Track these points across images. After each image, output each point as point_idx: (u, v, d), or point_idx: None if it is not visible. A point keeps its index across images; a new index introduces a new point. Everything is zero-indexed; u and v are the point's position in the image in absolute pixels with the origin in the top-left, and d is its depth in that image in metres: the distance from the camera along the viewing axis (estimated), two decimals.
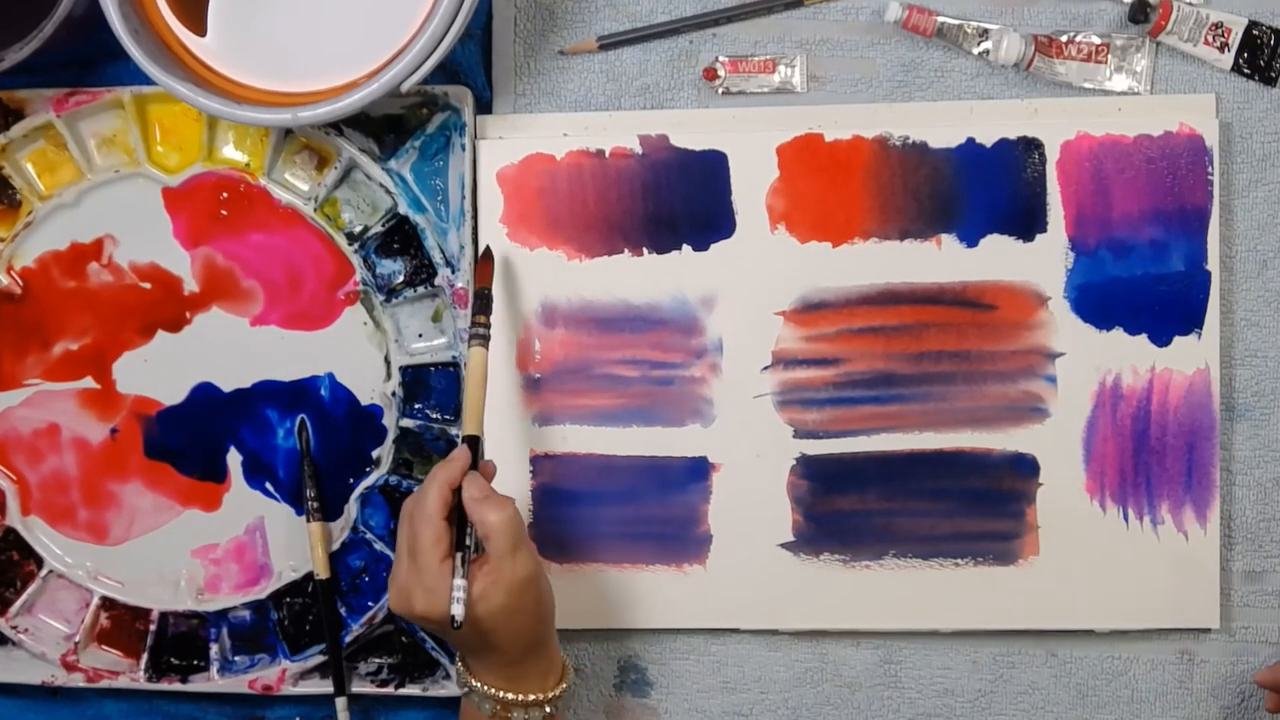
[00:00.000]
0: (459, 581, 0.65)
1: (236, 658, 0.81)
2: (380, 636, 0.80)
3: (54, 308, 0.79)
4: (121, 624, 0.81)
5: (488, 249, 0.76)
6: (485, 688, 0.68)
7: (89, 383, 0.80)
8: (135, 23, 0.72)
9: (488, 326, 0.72)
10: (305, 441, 0.79)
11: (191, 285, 0.79)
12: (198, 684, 0.80)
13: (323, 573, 0.78)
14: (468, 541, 0.67)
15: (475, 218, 0.78)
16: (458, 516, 0.67)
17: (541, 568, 0.69)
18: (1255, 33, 0.75)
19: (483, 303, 0.73)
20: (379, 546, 0.79)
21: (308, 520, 0.79)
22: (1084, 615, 0.77)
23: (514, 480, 0.78)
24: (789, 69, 0.78)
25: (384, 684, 0.80)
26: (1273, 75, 0.76)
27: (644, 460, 0.78)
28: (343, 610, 0.79)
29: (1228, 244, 0.76)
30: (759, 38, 0.77)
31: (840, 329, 0.77)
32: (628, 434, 0.78)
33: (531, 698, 0.68)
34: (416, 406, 0.78)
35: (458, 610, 0.65)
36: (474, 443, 0.70)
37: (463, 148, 0.77)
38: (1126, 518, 0.76)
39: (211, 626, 0.80)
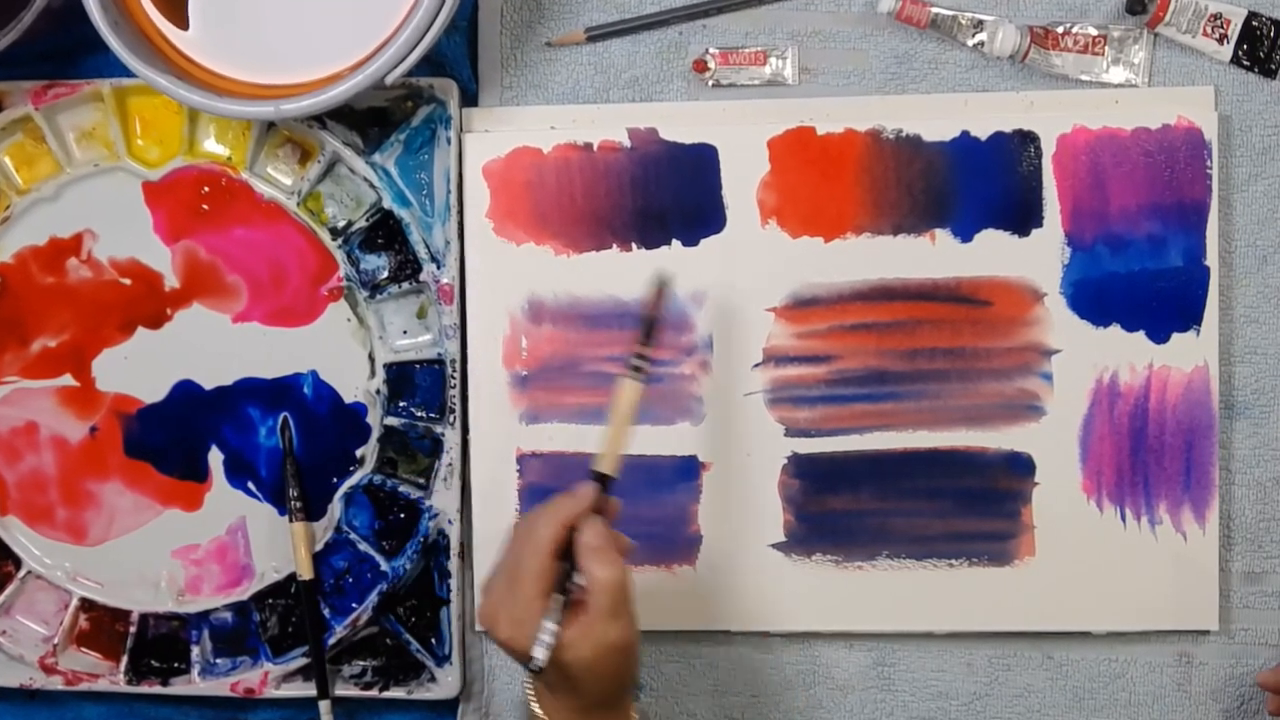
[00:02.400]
0: (549, 625, 0.62)
1: (218, 660, 0.81)
2: (364, 638, 0.80)
3: (32, 304, 0.80)
4: (101, 626, 0.82)
5: (662, 274, 0.70)
6: None
7: (68, 380, 0.80)
8: (115, 14, 0.73)
9: (649, 360, 0.67)
10: (288, 440, 0.80)
11: (172, 281, 0.79)
12: (179, 687, 0.80)
13: (306, 574, 0.79)
14: (570, 585, 0.63)
15: (461, 212, 0.78)
16: (567, 553, 0.64)
17: (638, 636, 0.64)
18: (1255, 24, 0.76)
19: (649, 331, 0.68)
20: (363, 547, 0.79)
21: (290, 520, 0.79)
22: (1081, 617, 0.77)
23: (500, 479, 0.79)
24: (780, 61, 0.78)
25: (368, 687, 0.80)
26: (1272, 67, 0.76)
27: (633, 459, 0.78)
28: (326, 612, 0.80)
29: (1227, 239, 0.77)
30: (750, 29, 0.78)
31: (832, 325, 0.77)
32: None
33: None
34: (401, 404, 0.79)
35: (539, 653, 0.62)
36: (605, 482, 0.66)
37: (448, 141, 0.77)
38: (1124, 518, 0.77)
39: (192, 628, 0.81)
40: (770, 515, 0.78)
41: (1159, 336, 0.76)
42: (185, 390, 0.80)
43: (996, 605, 0.77)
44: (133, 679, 0.81)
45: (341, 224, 0.79)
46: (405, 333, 0.79)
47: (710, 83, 0.78)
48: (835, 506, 0.78)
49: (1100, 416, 0.77)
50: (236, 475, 0.80)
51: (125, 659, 0.80)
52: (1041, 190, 0.76)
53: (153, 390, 0.80)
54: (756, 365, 0.78)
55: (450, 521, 0.78)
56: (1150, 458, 0.77)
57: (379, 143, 0.78)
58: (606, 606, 0.62)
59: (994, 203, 0.76)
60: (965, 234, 0.77)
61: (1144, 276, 0.76)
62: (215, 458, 0.80)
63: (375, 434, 0.79)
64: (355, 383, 0.79)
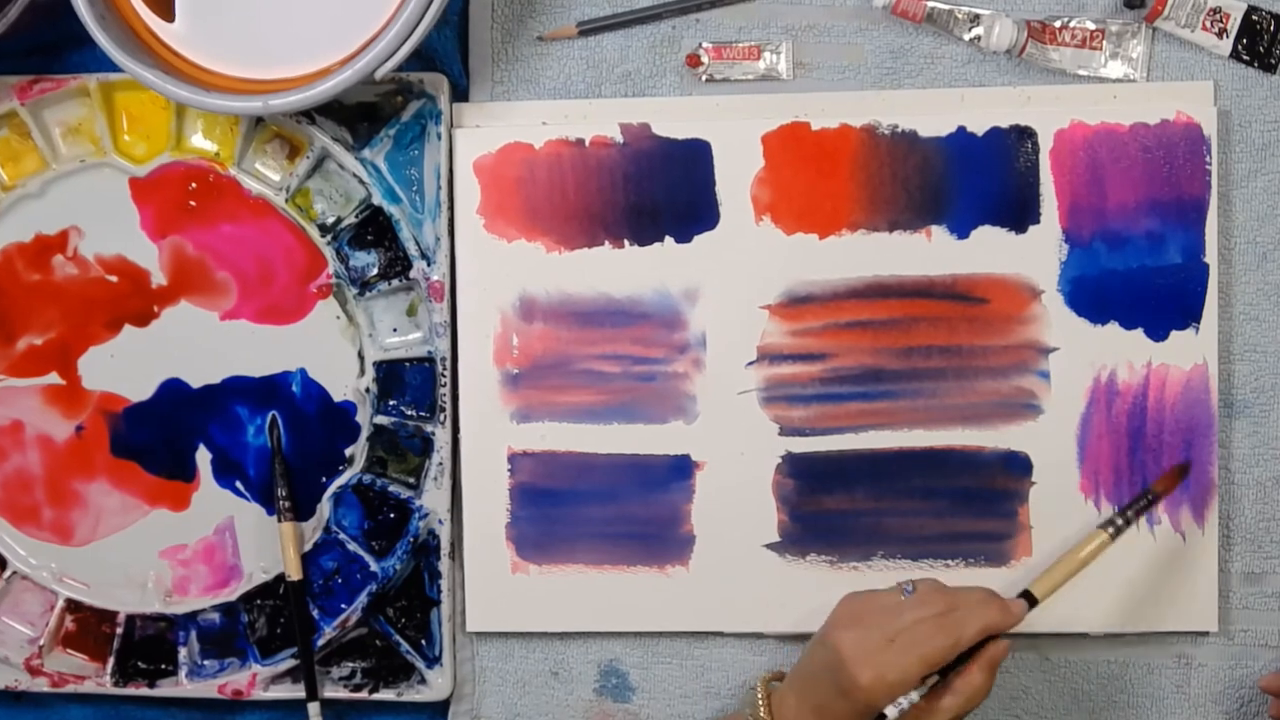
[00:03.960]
0: (914, 696, 0.66)
1: (206, 662, 0.81)
2: (353, 640, 0.81)
3: (18, 301, 0.80)
4: (87, 627, 0.82)
5: (1188, 464, 0.76)
6: None
7: (54, 379, 0.81)
8: (102, 8, 0.73)
9: (1129, 523, 0.73)
10: (276, 439, 0.80)
11: (159, 278, 0.80)
12: (166, 689, 0.81)
13: (294, 574, 0.79)
14: (950, 674, 0.68)
15: (451, 209, 0.78)
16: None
17: None
18: (1254, 18, 0.76)
19: (1148, 501, 0.74)
20: (352, 547, 0.79)
21: (279, 520, 0.79)
22: (1078, 618, 0.77)
23: (491, 479, 0.79)
24: (774, 55, 0.78)
25: (358, 689, 0.80)
26: (1272, 62, 0.77)
27: (625, 458, 0.79)
28: (315, 613, 0.80)
29: (1226, 236, 0.77)
30: (743, 23, 0.78)
31: (827, 323, 0.78)
32: (608, 431, 0.79)
33: None
34: (391, 403, 0.79)
35: (891, 712, 0.66)
36: (1031, 604, 0.70)
37: (438, 137, 0.78)
38: None
39: (180, 629, 0.81)
40: (764, 515, 0.78)
41: (1157, 334, 0.77)
42: (172, 389, 0.80)
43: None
44: (119, 681, 0.81)
45: (330, 220, 0.79)
46: (395, 330, 0.80)
47: (703, 77, 0.79)
48: (830, 506, 0.78)
49: (1098, 415, 0.77)
50: (224, 475, 0.81)
51: (112, 660, 0.81)
52: (1039, 186, 0.77)
53: (139, 389, 0.80)
54: (750, 363, 0.78)
55: (441, 521, 0.79)
56: (1149, 457, 0.77)
57: (368, 138, 0.78)
58: (960, 709, 0.67)
59: (991, 199, 0.77)
60: (962, 230, 0.77)
61: (1142, 274, 0.76)
62: (203, 457, 0.80)
63: (365, 433, 0.79)
64: (344, 381, 0.79)
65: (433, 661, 0.80)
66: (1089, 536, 0.72)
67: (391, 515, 0.80)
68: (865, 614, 0.68)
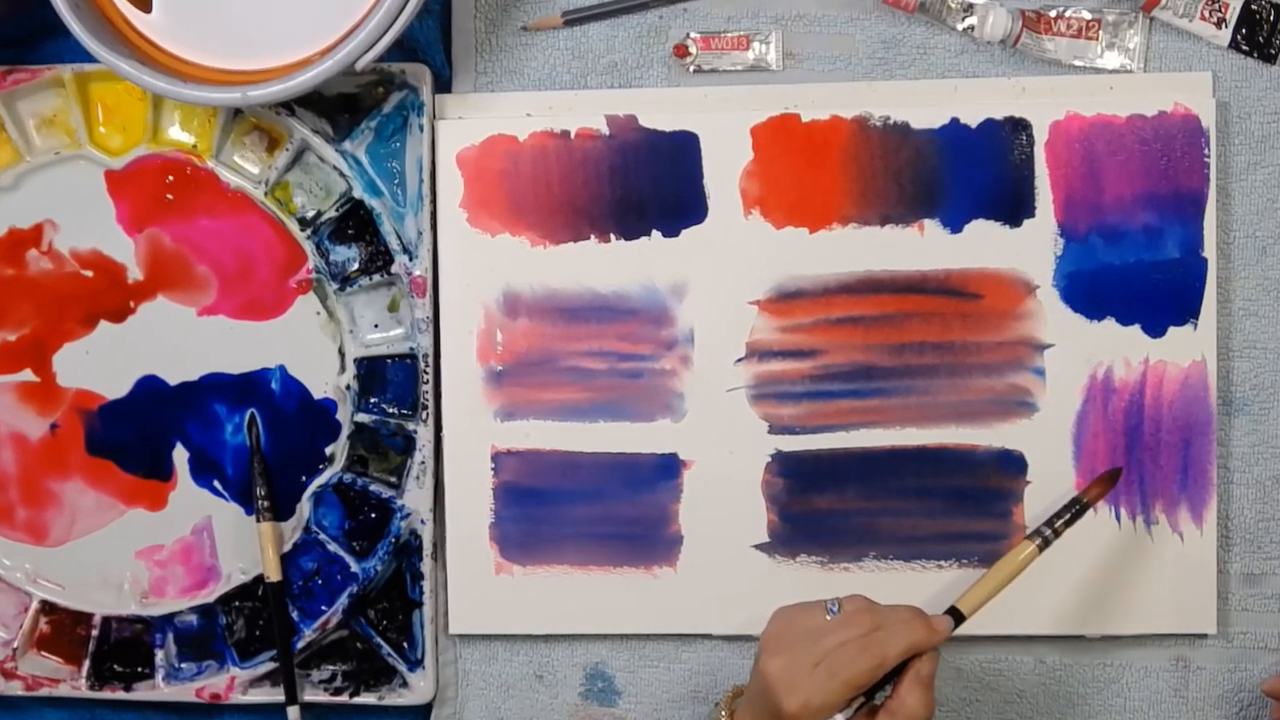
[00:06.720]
0: (840, 718, 0.66)
1: (183, 665, 0.81)
2: (334, 642, 0.81)
3: None
4: (62, 629, 0.82)
5: (1118, 470, 0.75)
6: None
7: (28, 375, 0.81)
8: None
9: (1058, 534, 0.72)
10: (255, 437, 0.80)
11: (135, 273, 0.80)
12: (142, 692, 0.81)
13: (274, 575, 0.79)
14: (876, 697, 0.67)
15: (434, 202, 0.78)
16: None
17: None
18: (1254, 7, 0.76)
19: (1078, 510, 0.72)
20: (332, 548, 0.80)
21: (258, 520, 0.79)
22: (1074, 620, 0.77)
23: (475, 478, 0.79)
24: (764, 46, 0.79)
25: (338, 692, 0.80)
26: (1272, 52, 0.77)
27: (611, 457, 0.79)
28: (294, 615, 0.80)
29: (1225, 230, 0.77)
30: (732, 13, 0.78)
31: (818, 319, 0.78)
32: (594, 429, 0.79)
33: None
34: (372, 401, 0.79)
35: None
36: (958, 621, 0.70)
37: (421, 129, 0.78)
38: (1119, 518, 0.77)
39: (157, 632, 0.81)
40: (753, 515, 0.78)
41: (1155, 330, 0.77)
42: (149, 386, 0.80)
43: (987, 608, 0.77)
44: (95, 684, 0.81)
45: (310, 214, 0.79)
46: (376, 326, 0.80)
47: (691, 68, 0.79)
48: (820, 506, 0.78)
49: (1094, 413, 0.77)
50: (202, 474, 0.81)
51: (87, 663, 0.81)
52: (1034, 179, 0.77)
53: (115, 386, 0.80)
54: (739, 360, 0.78)
55: (423, 521, 0.79)
56: (1146, 456, 0.77)
57: (349, 130, 0.78)
58: None
59: (984, 192, 0.77)
60: (955, 224, 0.77)
61: (1139, 268, 0.76)
62: (180, 456, 0.81)
63: (345, 431, 0.79)
64: (325, 378, 0.80)
65: (415, 664, 0.80)
66: (1017, 549, 0.71)
67: (373, 515, 0.80)
68: (791, 638, 0.67)
